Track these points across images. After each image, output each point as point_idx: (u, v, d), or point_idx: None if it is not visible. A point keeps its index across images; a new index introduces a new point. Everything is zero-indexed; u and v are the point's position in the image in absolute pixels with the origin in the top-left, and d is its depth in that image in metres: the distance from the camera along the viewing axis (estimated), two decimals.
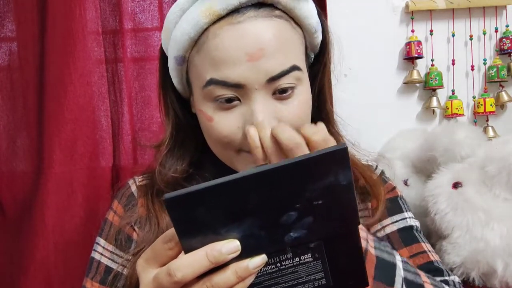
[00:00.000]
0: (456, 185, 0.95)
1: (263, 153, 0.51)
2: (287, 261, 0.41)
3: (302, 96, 0.58)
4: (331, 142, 0.49)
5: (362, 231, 0.52)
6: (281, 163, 0.36)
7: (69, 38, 1.06)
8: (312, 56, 0.66)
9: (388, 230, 0.67)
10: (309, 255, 0.41)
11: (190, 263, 0.37)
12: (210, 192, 0.36)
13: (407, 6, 1.19)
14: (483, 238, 0.89)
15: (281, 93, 0.56)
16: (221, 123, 0.57)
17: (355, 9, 1.18)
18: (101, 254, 0.68)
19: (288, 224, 0.39)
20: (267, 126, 0.51)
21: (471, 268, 0.89)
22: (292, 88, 0.57)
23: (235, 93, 0.55)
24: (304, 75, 0.59)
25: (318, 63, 0.66)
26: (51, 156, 1.06)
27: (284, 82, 0.56)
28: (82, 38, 1.07)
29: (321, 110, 0.67)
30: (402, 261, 0.54)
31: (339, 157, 0.37)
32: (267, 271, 0.41)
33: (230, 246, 0.38)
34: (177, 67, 0.61)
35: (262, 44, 0.54)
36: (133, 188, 0.70)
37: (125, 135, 1.12)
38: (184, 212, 0.37)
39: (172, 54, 0.61)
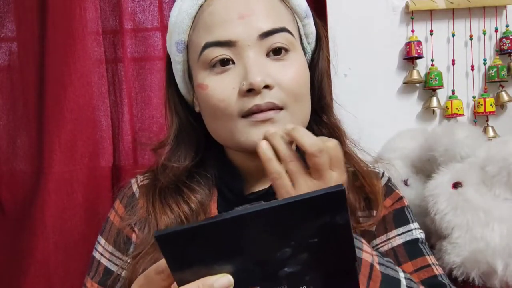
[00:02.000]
0: (456, 185, 0.95)
1: (279, 164, 0.49)
2: None
3: (298, 64, 0.60)
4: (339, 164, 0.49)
5: (367, 247, 0.52)
6: (275, 203, 0.36)
7: (69, 38, 1.06)
8: (309, 49, 0.67)
9: (395, 243, 0.66)
10: (304, 287, 0.40)
11: None
12: (201, 230, 0.36)
13: (407, 6, 1.19)
14: (483, 238, 0.89)
15: (275, 54, 0.58)
16: (216, 87, 0.58)
17: (355, 9, 1.18)
18: (101, 254, 0.68)
19: (283, 260, 0.38)
20: (277, 136, 0.49)
21: (471, 268, 0.88)
22: (286, 50, 0.59)
23: (229, 53, 0.57)
24: (298, 45, 0.61)
25: (315, 58, 0.67)
26: (51, 156, 1.06)
27: (277, 41, 0.57)
28: (82, 38, 1.07)
29: (321, 102, 0.68)
30: (405, 278, 0.54)
31: (336, 198, 0.36)
32: None
33: (223, 281, 0.38)
34: (178, 55, 0.63)
35: (253, 4, 0.57)
36: (135, 188, 0.70)
37: (125, 135, 1.12)
38: (175, 249, 0.37)
39: (173, 41, 0.63)
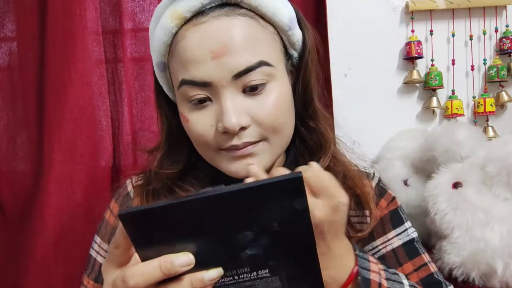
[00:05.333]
0: (456, 185, 0.95)
1: None
2: (245, 274, 0.42)
3: (276, 93, 0.58)
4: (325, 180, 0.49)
5: (374, 265, 0.52)
6: (234, 188, 0.37)
7: (69, 38, 1.06)
8: (296, 54, 0.66)
9: (395, 244, 0.68)
10: (267, 270, 0.42)
11: (143, 272, 0.39)
12: (162, 211, 0.37)
13: (407, 6, 1.19)
14: (483, 238, 0.89)
15: (251, 90, 0.57)
16: (196, 123, 0.58)
17: (355, 9, 1.19)
18: (97, 252, 0.69)
19: (244, 242, 0.39)
20: (261, 173, 0.51)
21: (471, 268, 0.89)
22: (263, 84, 0.57)
23: (205, 93, 0.56)
24: (278, 71, 0.59)
25: (301, 61, 0.66)
26: (51, 156, 1.06)
27: (253, 79, 0.56)
28: (82, 38, 1.07)
29: (307, 108, 0.67)
30: (409, 285, 0.56)
31: (293, 185, 0.37)
32: (225, 283, 0.42)
33: (183, 259, 0.39)
34: (161, 74, 0.64)
35: (225, 41, 0.55)
36: (129, 188, 0.71)
37: (125, 135, 1.12)
38: (138, 228, 0.38)
39: (154, 61, 0.63)
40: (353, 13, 1.18)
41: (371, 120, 1.15)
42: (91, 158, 1.09)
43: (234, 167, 0.58)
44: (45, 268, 1.05)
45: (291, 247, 0.41)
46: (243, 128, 0.56)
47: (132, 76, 1.13)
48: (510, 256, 0.86)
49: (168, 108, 0.68)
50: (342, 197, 0.49)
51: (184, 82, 0.57)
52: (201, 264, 0.39)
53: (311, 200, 0.46)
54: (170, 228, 0.38)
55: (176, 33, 0.58)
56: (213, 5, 0.57)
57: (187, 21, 0.57)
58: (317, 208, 0.47)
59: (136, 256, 0.41)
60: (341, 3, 1.18)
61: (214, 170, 0.62)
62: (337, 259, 0.51)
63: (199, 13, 0.57)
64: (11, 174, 1.11)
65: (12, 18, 1.11)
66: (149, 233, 0.38)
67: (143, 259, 0.40)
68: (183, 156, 0.67)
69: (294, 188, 0.37)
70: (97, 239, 0.70)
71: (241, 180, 0.57)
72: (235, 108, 0.55)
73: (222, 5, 0.57)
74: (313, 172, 0.49)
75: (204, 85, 0.56)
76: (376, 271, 0.52)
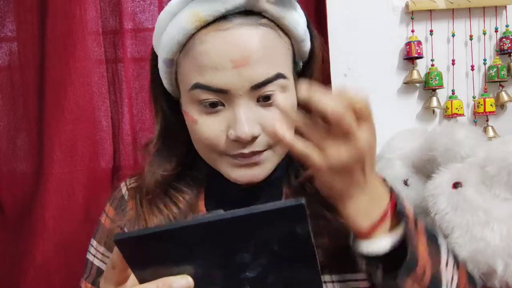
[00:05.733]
0: (456, 185, 0.96)
1: (303, 142, 0.46)
2: None
3: (287, 104, 0.57)
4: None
5: (406, 201, 0.52)
6: (236, 213, 0.36)
7: (69, 38, 1.06)
8: (301, 64, 0.66)
9: None
10: None
11: None
12: (159, 236, 0.37)
13: (407, 6, 1.19)
14: (483, 238, 0.89)
15: (264, 100, 0.57)
16: (205, 126, 0.57)
17: (355, 9, 1.19)
18: (94, 255, 0.69)
19: (243, 264, 0.39)
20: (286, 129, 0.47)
21: (471, 268, 0.89)
22: (274, 94, 0.57)
23: (219, 98, 0.56)
24: (290, 82, 0.59)
25: (306, 70, 0.66)
26: (51, 156, 1.06)
27: (268, 90, 0.56)
28: (82, 38, 1.07)
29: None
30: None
31: (296, 211, 0.36)
32: None
33: (182, 282, 0.38)
34: (167, 69, 0.62)
35: (247, 51, 0.54)
36: (124, 191, 0.70)
37: (125, 136, 1.12)
38: (135, 252, 0.38)
39: (161, 56, 0.61)
40: (353, 13, 1.18)
41: None
42: (91, 159, 1.09)
43: (236, 174, 0.58)
44: (44, 268, 1.05)
45: (292, 266, 0.40)
46: (254, 138, 0.56)
47: (132, 76, 1.13)
48: (510, 256, 0.86)
49: (165, 102, 0.66)
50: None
51: (198, 86, 0.56)
52: (200, 287, 0.39)
53: (355, 126, 0.44)
54: (167, 252, 0.38)
55: (193, 34, 0.57)
56: (237, 11, 0.56)
57: (208, 24, 0.56)
58: (365, 140, 0.45)
59: (134, 277, 0.41)
60: (341, 3, 1.18)
61: (212, 172, 0.62)
62: (374, 189, 0.49)
63: (221, 18, 0.55)
64: (11, 174, 1.11)
65: (12, 18, 1.11)
66: (146, 256, 0.38)
67: (141, 280, 0.39)
68: (177, 153, 0.66)
69: (297, 214, 0.37)
70: (94, 242, 0.70)
71: (238, 185, 0.58)
72: (249, 118, 0.55)
73: (245, 12, 0.56)
74: (357, 96, 0.45)
75: (220, 91, 0.55)
76: (409, 207, 0.51)
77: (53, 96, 1.06)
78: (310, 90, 0.44)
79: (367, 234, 0.49)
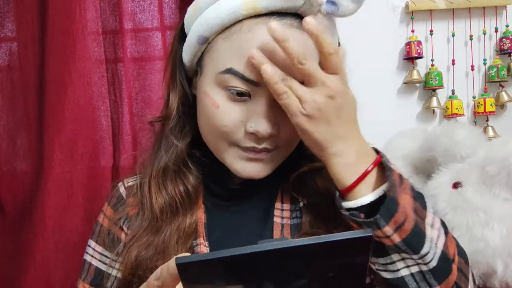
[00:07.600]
0: (456, 185, 0.95)
1: (283, 85, 0.52)
2: None
3: None
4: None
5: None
6: (300, 242, 0.36)
7: (69, 38, 1.06)
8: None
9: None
10: None
11: None
12: (222, 261, 0.37)
13: (407, 6, 1.19)
14: (483, 238, 0.89)
15: None
16: (225, 113, 0.57)
17: None
18: (92, 256, 0.69)
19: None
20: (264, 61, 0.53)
21: (471, 268, 0.89)
22: None
23: (248, 89, 0.56)
24: None
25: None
26: (51, 156, 1.06)
27: None
28: (82, 38, 1.07)
29: None
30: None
31: (362, 243, 0.36)
32: None
33: None
34: (196, 45, 0.61)
35: None
36: (122, 190, 0.71)
37: (125, 135, 1.12)
38: (194, 276, 0.38)
39: (196, 32, 0.60)
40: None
41: (371, 120, 1.14)
42: (91, 158, 1.10)
43: (240, 166, 0.58)
44: (44, 268, 1.05)
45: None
46: (271, 136, 0.57)
47: (132, 76, 1.13)
48: (510, 256, 0.86)
49: (184, 74, 0.66)
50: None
51: (231, 71, 0.56)
52: None
53: (321, 73, 0.53)
54: (225, 277, 0.38)
55: (241, 20, 0.57)
56: (289, 12, 0.56)
57: (259, 15, 0.56)
58: (333, 83, 0.53)
59: None
60: None
61: (214, 158, 0.62)
62: (360, 146, 0.54)
63: (274, 13, 0.56)
64: (11, 174, 1.11)
65: (12, 18, 1.11)
66: (201, 276, 0.38)
67: None
68: (191, 129, 0.66)
69: (363, 245, 0.37)
70: (92, 243, 0.69)
71: (236, 176, 0.59)
72: (272, 115, 0.56)
73: (296, 15, 0.57)
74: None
75: (252, 83, 0.55)
76: (397, 168, 0.53)
77: (53, 96, 1.06)
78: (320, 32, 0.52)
79: (351, 188, 0.52)
